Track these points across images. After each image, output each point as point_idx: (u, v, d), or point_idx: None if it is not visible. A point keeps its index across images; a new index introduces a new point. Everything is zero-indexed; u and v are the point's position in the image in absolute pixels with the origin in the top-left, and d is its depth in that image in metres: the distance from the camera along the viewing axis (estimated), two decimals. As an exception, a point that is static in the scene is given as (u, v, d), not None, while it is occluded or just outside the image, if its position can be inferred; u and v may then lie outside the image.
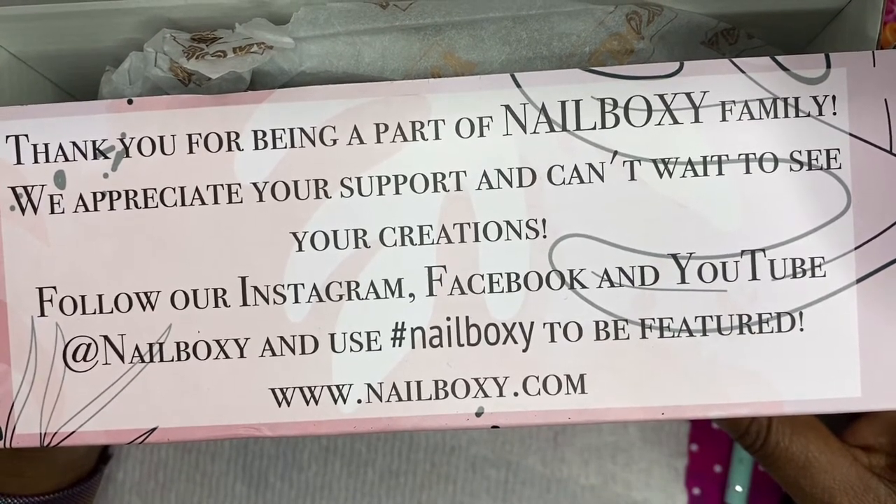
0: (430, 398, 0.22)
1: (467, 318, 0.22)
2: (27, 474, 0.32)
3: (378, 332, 0.22)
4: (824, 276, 0.22)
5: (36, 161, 0.23)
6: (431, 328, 0.22)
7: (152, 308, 0.23)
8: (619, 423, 0.39)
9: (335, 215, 0.22)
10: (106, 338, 0.23)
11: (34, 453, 0.31)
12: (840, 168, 0.22)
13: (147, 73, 0.24)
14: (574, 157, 0.22)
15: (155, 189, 0.23)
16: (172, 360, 0.23)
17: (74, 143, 0.23)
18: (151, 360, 0.23)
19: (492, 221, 0.22)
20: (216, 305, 0.23)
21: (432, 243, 0.22)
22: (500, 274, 0.22)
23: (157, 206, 0.23)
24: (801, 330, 0.22)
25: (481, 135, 0.22)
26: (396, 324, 0.22)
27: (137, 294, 0.23)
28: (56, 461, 0.33)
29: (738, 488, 0.38)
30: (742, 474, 0.38)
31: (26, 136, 0.23)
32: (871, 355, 0.22)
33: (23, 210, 0.23)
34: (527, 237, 0.22)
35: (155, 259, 0.23)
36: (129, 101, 0.23)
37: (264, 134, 0.22)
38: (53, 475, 0.33)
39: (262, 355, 0.23)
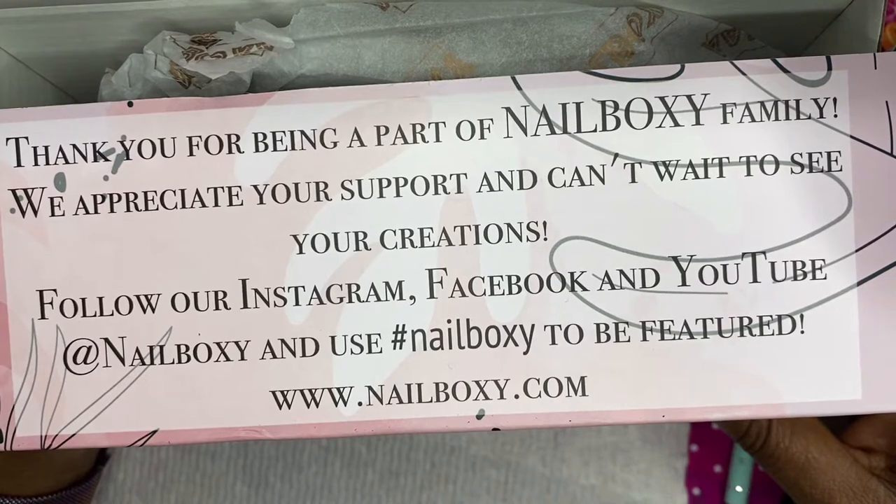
0: (431, 401, 0.22)
1: (468, 320, 0.22)
2: (25, 474, 0.32)
3: (379, 334, 0.22)
4: (825, 278, 0.22)
5: (36, 163, 0.23)
6: (432, 331, 0.22)
7: (153, 310, 0.23)
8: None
9: (336, 218, 0.22)
10: (106, 340, 0.23)
11: (32, 454, 0.31)
12: (841, 170, 0.22)
13: (147, 75, 0.24)
14: (575, 160, 0.22)
15: (155, 191, 0.23)
16: (173, 363, 0.23)
17: (74, 146, 0.23)
18: (152, 363, 0.23)
19: (492, 224, 0.22)
20: (217, 308, 0.23)
21: (433, 246, 0.22)
22: (501, 276, 0.22)
23: (157, 209, 0.23)
24: (802, 332, 0.22)
25: (482, 137, 0.22)
26: (397, 326, 0.22)
27: (138, 296, 0.23)
28: (54, 462, 0.33)
29: (738, 488, 0.38)
30: (742, 474, 0.38)
31: (26, 138, 0.23)
32: (872, 357, 0.22)
33: (23, 212, 0.23)
34: (527, 239, 0.22)
35: (155, 261, 0.23)
36: (130, 104, 0.23)
37: (265, 136, 0.22)
38: (51, 475, 0.33)
39: (262, 358, 0.23)
